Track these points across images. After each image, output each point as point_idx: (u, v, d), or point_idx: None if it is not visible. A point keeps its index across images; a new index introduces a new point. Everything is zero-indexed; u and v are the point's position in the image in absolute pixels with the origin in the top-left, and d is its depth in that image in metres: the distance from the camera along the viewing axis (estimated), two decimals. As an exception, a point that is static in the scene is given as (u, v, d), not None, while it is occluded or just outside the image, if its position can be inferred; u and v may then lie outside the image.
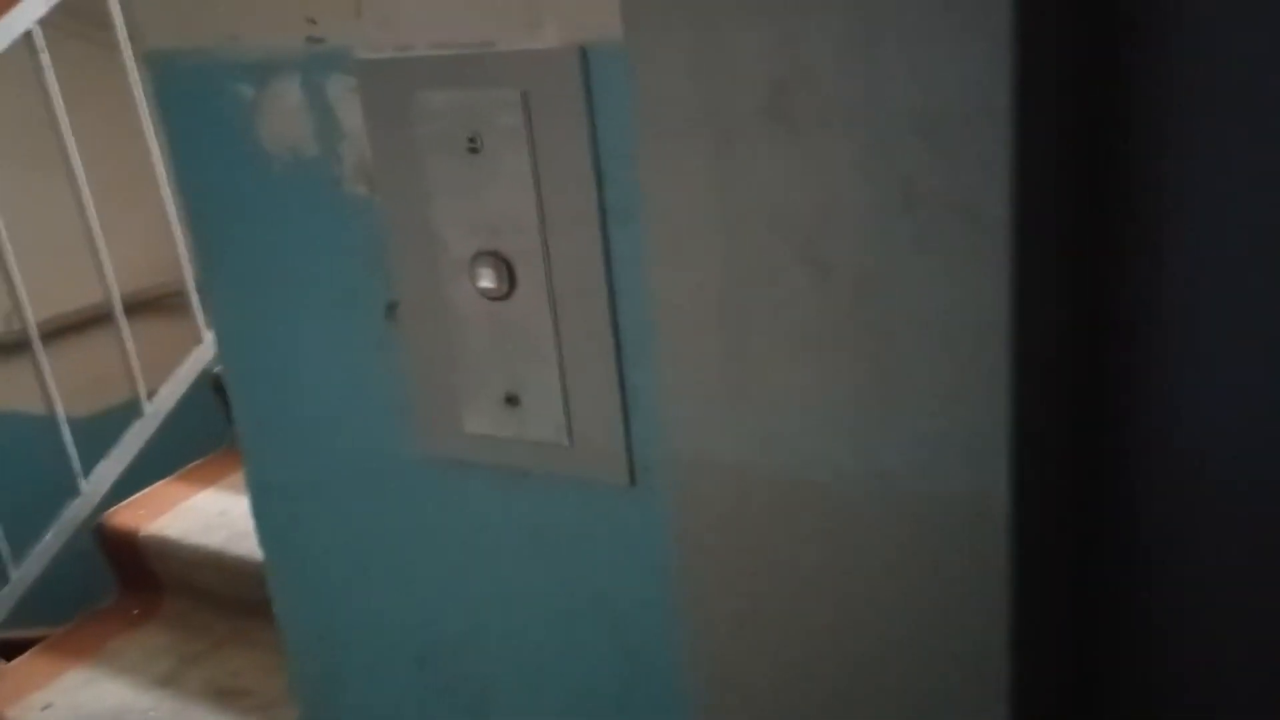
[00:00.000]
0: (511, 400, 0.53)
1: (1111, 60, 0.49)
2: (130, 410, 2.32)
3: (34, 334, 2.14)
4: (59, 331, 2.82)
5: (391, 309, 0.56)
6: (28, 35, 2.03)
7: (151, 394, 2.34)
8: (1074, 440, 0.56)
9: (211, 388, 2.36)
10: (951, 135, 0.39)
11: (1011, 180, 0.39)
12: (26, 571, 2.14)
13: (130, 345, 2.26)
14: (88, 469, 2.23)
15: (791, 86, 0.42)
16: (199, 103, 0.58)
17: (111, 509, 2.32)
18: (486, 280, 0.51)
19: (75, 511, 2.21)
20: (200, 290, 0.63)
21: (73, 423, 2.21)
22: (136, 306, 2.56)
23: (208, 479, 2.41)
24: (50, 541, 2.17)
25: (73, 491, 2.21)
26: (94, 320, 2.62)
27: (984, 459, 0.43)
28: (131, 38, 2.18)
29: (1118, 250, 0.53)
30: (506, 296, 0.51)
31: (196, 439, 2.45)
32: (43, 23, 2.05)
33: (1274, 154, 0.49)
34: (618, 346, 0.50)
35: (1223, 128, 0.50)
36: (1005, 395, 0.41)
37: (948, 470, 0.44)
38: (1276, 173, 0.49)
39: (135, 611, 2.26)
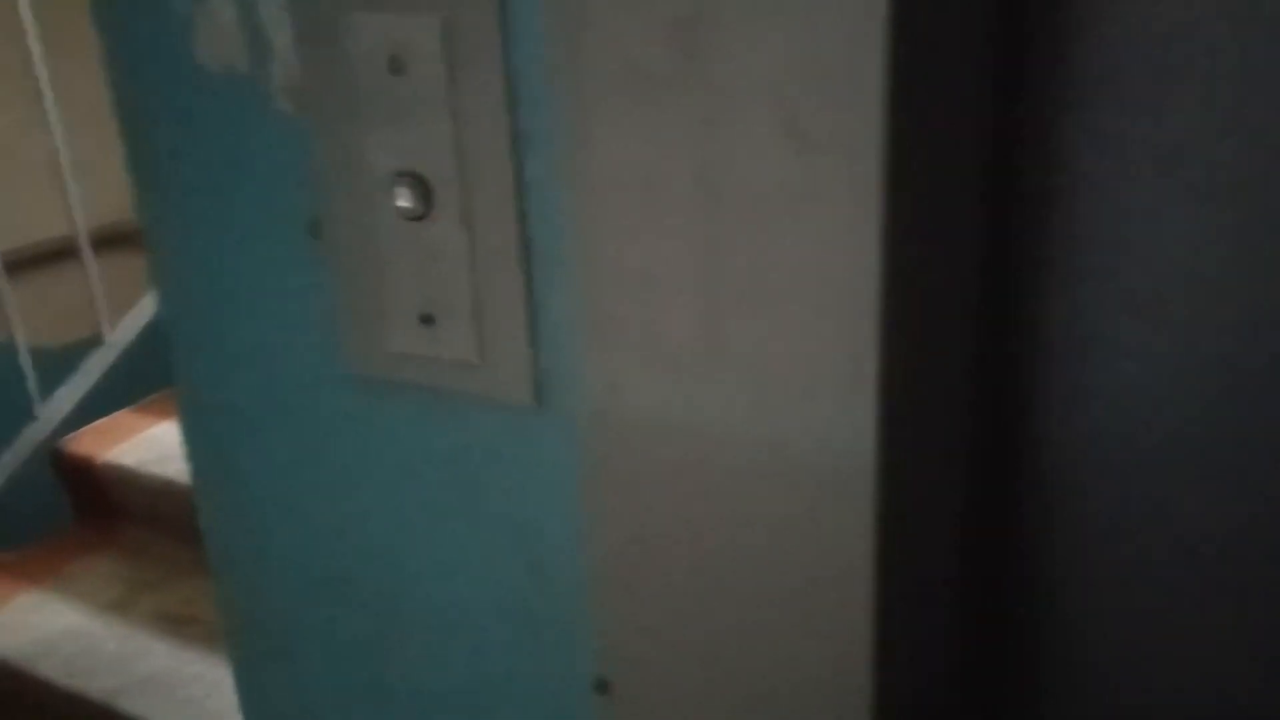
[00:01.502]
0: (427, 319, 0.55)
1: (1018, 32, 0.51)
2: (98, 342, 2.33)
3: (-5, 259, 2.14)
4: (32, 260, 2.82)
5: (315, 227, 0.57)
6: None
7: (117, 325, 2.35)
8: (975, 406, 0.58)
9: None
10: (833, 77, 0.41)
11: (887, 123, 0.40)
12: (-19, 494, 2.15)
13: (95, 274, 2.27)
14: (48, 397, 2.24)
15: (691, 23, 0.43)
16: (135, 17, 0.59)
17: (70, 435, 2.33)
18: (405, 200, 0.52)
19: (31, 436, 2.22)
20: (136, 210, 0.65)
21: (42, 354, 2.22)
22: (114, 239, 2.55)
23: (169, 410, 2.42)
24: (4, 464, 2.18)
25: (30, 416, 2.21)
26: (69, 252, 2.62)
27: (851, 412, 0.45)
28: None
29: (1024, 215, 0.55)
30: (424, 217, 0.53)
31: (160, 370, 2.45)
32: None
33: (1177, 130, 0.51)
34: (528, 268, 0.52)
35: (1129, 107, 0.52)
36: (873, 344, 0.43)
37: (818, 424, 0.46)
38: (1179, 145, 0.51)
39: (90, 538, 2.27)
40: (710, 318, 0.47)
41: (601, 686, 0.56)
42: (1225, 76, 0.49)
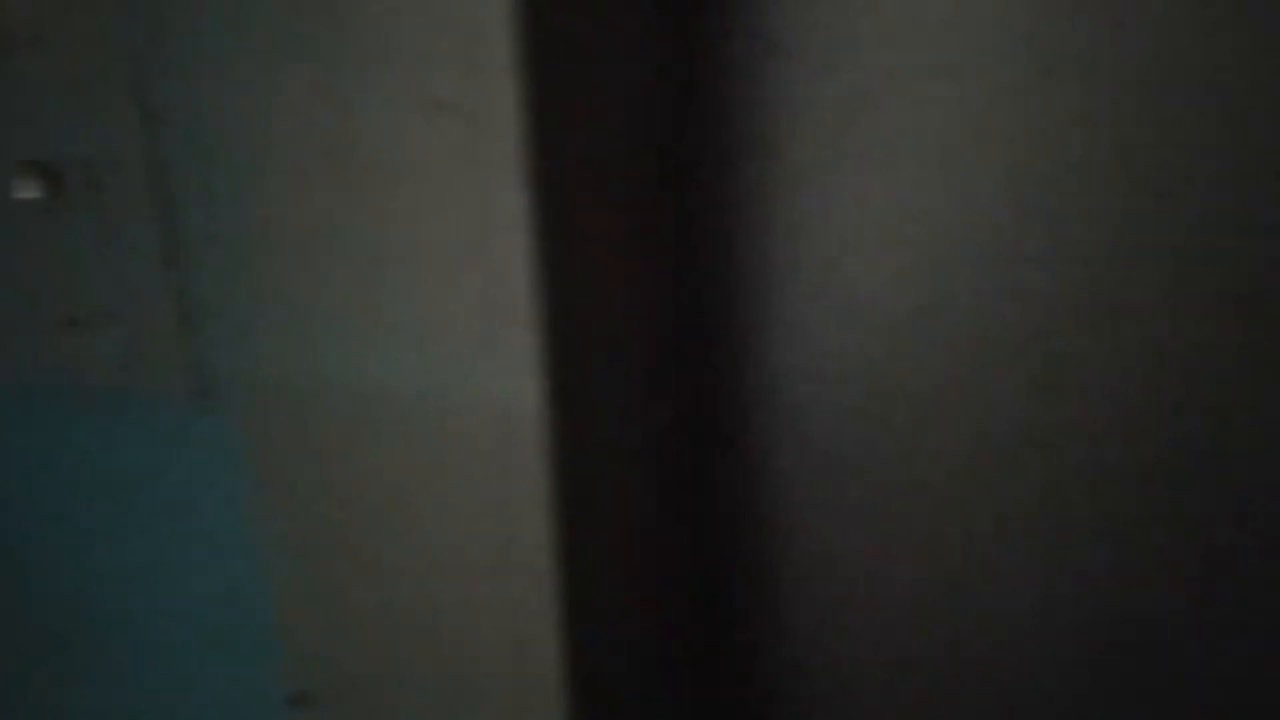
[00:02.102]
0: (76, 320, 0.50)
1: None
2: None
3: None
4: None
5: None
6: None
7: None
8: (675, 363, 0.57)
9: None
10: (467, 46, 0.39)
11: (520, 89, 0.39)
12: None
13: None
14: None
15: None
16: None
17: None
18: (31, 190, 0.48)
19: None
20: None
21: None
22: None
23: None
24: None
25: None
26: None
27: (513, 367, 0.44)
28: None
29: (705, 176, 0.54)
30: (57, 209, 0.48)
31: None
32: None
33: (847, 91, 0.51)
34: (178, 260, 0.48)
35: (802, 69, 0.51)
36: (524, 299, 0.43)
37: (483, 380, 0.44)
38: (850, 105, 0.51)
39: None
40: (367, 284, 0.45)
41: (297, 699, 0.53)
42: (897, 44, 0.49)
